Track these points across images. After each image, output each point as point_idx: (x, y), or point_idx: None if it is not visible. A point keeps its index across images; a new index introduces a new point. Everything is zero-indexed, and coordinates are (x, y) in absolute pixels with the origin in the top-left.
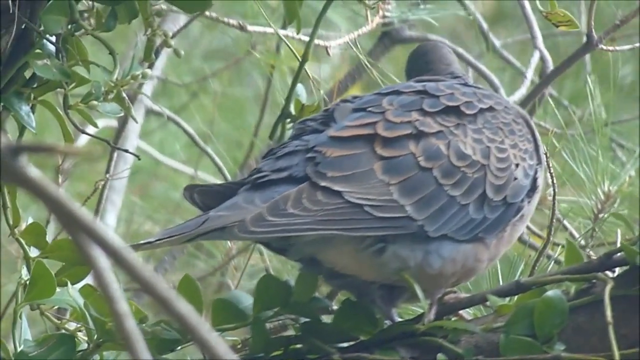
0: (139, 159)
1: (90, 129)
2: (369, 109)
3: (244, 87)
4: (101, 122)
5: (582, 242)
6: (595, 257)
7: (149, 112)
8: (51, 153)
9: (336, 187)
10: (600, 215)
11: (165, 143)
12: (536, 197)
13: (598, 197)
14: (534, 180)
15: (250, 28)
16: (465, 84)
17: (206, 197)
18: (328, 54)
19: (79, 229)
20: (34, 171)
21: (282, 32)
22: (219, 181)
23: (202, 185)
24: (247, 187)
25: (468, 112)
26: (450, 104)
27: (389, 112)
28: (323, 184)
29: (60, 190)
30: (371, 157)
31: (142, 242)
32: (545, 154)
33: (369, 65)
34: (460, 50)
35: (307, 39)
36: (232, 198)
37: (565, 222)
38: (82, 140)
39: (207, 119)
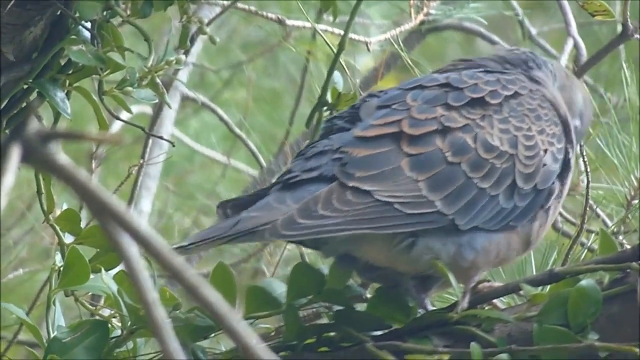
0: (174, 146)
1: (125, 116)
2: (394, 106)
3: (280, 76)
4: (136, 109)
5: (615, 229)
6: (629, 246)
7: (186, 100)
8: (81, 140)
9: (365, 187)
10: (634, 202)
11: (201, 132)
12: (569, 177)
13: (631, 183)
14: (567, 161)
15: (288, 22)
16: (488, 71)
17: (239, 210)
18: (368, 49)
19: (109, 216)
20: (63, 158)
21: (318, 27)
22: (253, 171)
23: (234, 199)
24: (278, 187)
25: (493, 101)
26: (475, 95)
27: (414, 108)
28: (351, 184)
29: (89, 176)
30: (398, 154)
31: (175, 245)
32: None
33: (410, 64)
34: (496, 38)
35: (342, 32)
36: (263, 198)
37: (599, 210)
38: (117, 126)
39: (242, 107)
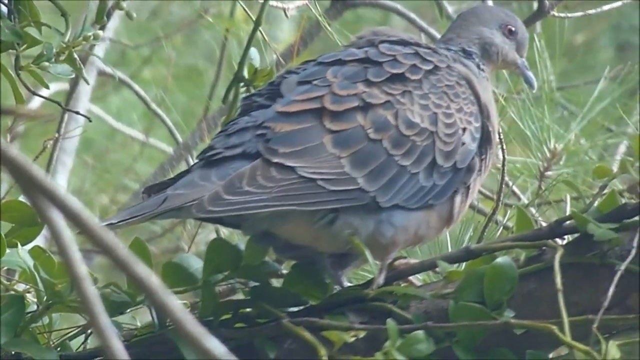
0: (90, 121)
1: (42, 91)
2: (314, 82)
3: (202, 54)
4: (53, 86)
5: (528, 202)
6: (545, 224)
7: (106, 77)
8: (12, 115)
9: (289, 163)
10: (547, 174)
11: (122, 110)
12: (490, 152)
13: (544, 155)
14: (486, 138)
15: None
16: (406, 43)
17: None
18: (286, 15)
19: (38, 191)
20: None
21: None
22: (170, 148)
23: (159, 184)
24: (201, 163)
25: (413, 77)
26: (395, 71)
27: (335, 84)
28: (275, 160)
29: (19, 152)
30: (320, 130)
31: (104, 222)
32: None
33: (327, 27)
34: (413, 15)
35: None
36: (187, 175)
37: (515, 188)
38: (35, 102)
39: (163, 84)
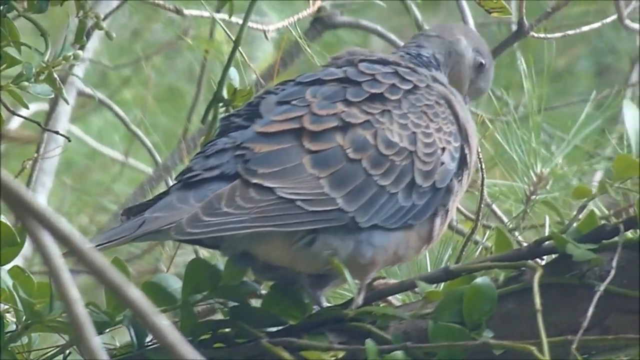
0: (69, 141)
1: (22, 111)
2: (293, 102)
3: (181, 74)
4: (33, 106)
5: (512, 226)
6: (525, 244)
7: (86, 98)
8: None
9: (268, 184)
10: (533, 197)
11: (103, 131)
12: (467, 174)
13: (530, 179)
14: (463, 158)
15: (186, 12)
16: (386, 62)
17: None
18: (266, 37)
19: (30, 215)
20: None
21: (217, 16)
22: (150, 169)
23: (138, 206)
24: (179, 185)
25: (392, 97)
26: (374, 91)
27: (314, 104)
28: (254, 181)
29: (10, 176)
30: (299, 151)
31: None
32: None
33: (307, 49)
34: (393, 37)
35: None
36: (165, 198)
37: (494, 207)
38: (14, 122)
39: (141, 105)
